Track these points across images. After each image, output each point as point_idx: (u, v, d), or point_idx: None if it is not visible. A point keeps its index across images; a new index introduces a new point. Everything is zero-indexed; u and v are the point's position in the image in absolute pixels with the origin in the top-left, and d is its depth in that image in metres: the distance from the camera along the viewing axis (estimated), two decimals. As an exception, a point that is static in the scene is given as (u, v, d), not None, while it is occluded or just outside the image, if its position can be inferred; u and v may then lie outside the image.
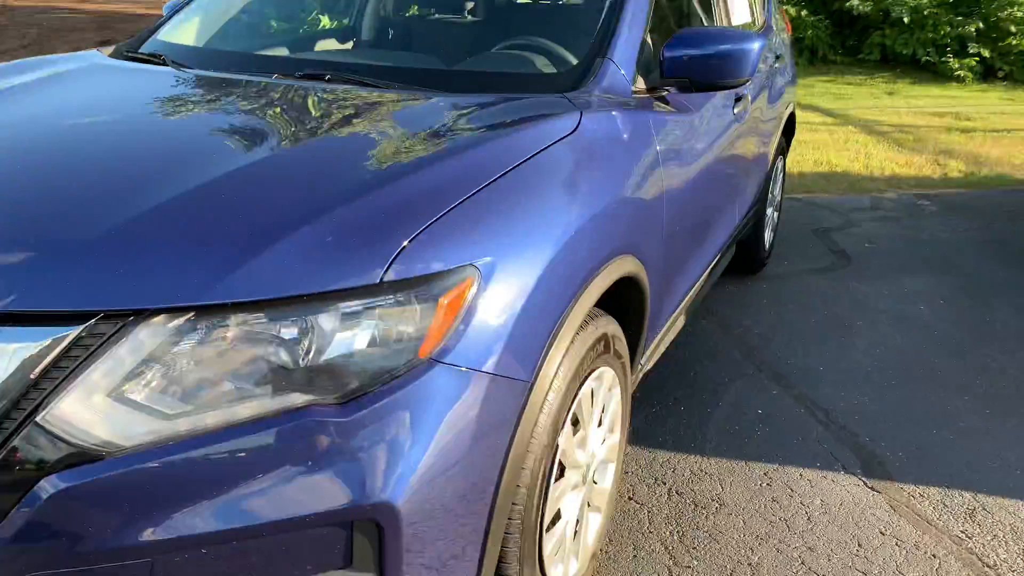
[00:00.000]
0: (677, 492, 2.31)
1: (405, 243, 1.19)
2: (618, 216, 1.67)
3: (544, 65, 2.01)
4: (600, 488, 1.84)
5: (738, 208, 2.97)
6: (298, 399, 1.11)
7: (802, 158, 6.63)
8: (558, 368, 1.43)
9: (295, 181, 1.37)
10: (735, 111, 2.64)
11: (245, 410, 1.09)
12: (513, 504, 1.37)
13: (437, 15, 2.69)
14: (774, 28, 3.67)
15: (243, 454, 1.08)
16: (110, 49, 2.26)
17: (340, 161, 1.45)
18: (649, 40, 2.09)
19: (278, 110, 1.73)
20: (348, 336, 1.15)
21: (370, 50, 2.57)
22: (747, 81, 2.09)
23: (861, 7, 12.80)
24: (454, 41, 2.36)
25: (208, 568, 1.08)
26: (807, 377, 3.00)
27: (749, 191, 3.15)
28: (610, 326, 1.72)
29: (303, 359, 1.12)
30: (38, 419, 1.03)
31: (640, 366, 2.15)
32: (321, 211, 1.23)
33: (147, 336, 1.07)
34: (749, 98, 2.82)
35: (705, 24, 2.76)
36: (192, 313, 1.09)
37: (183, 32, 2.33)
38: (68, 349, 1.05)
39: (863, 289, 3.90)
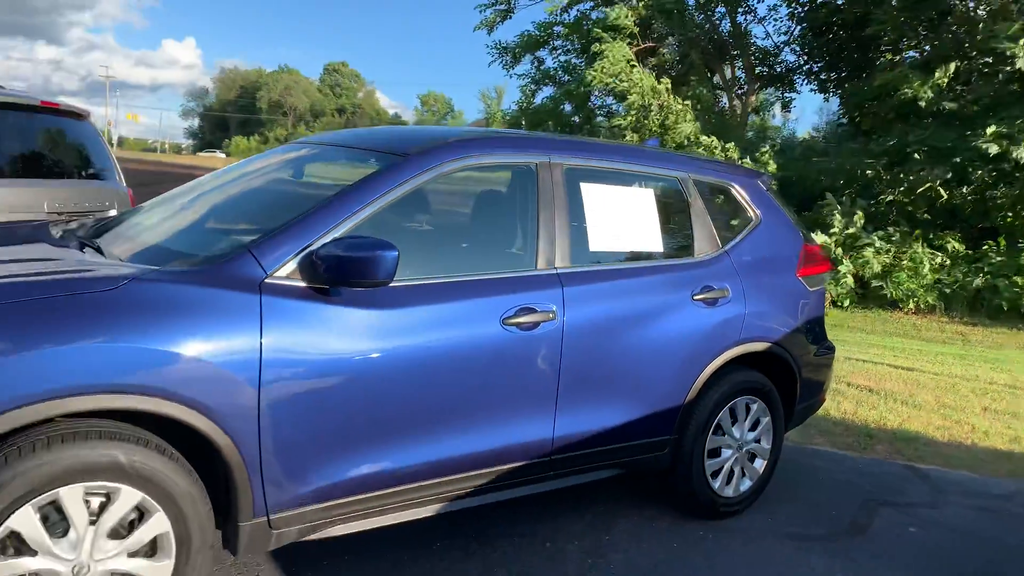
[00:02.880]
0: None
1: None
2: (141, 357, 2.11)
3: (209, 246, 2.60)
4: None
5: (532, 426, 2.93)
6: None
7: (991, 429, 5.55)
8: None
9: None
10: (509, 324, 2.78)
11: None
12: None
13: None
14: (729, 262, 3.57)
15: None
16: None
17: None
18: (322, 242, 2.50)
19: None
20: None
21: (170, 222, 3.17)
22: (380, 284, 2.39)
23: None
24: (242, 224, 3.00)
25: None
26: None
27: (590, 414, 3.09)
28: (130, 452, 2.12)
29: None
30: None
31: (262, 520, 2.39)
32: None
33: None
34: (556, 315, 2.91)
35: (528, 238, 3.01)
36: None
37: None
38: None
39: (817, 567, 3.30)
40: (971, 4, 11.97)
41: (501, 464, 2.90)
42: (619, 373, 3.16)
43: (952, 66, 11.23)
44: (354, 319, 2.50)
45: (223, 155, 41.09)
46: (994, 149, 10.62)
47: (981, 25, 10.95)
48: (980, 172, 11.59)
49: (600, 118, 14.98)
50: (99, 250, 2.65)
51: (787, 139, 23.21)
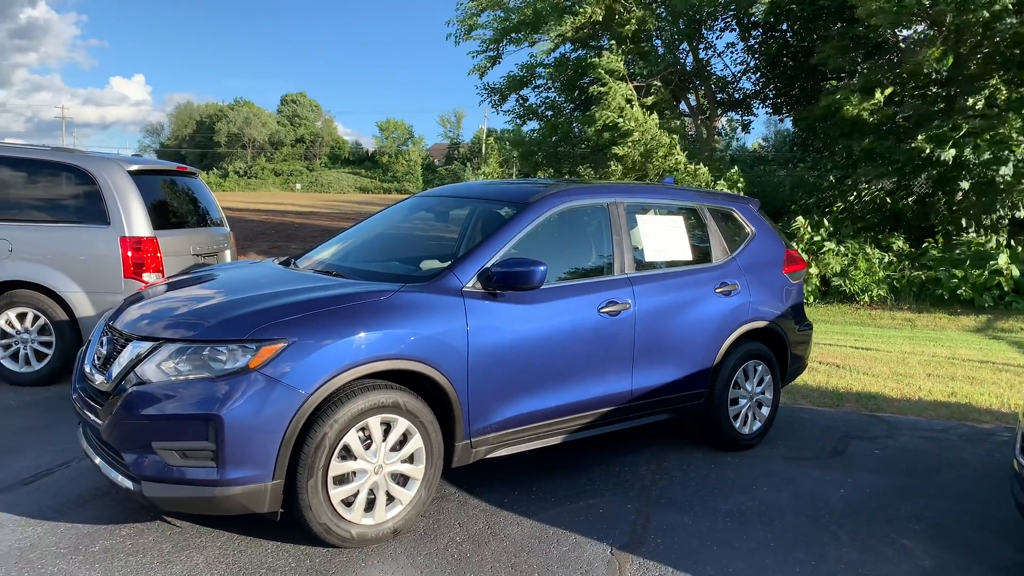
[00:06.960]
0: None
1: (260, 326, 3.23)
2: (406, 337, 3.47)
3: (423, 269, 3.98)
4: (400, 489, 3.52)
5: (619, 381, 4.31)
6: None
7: (933, 388, 7.07)
8: (334, 396, 3.28)
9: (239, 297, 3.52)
10: (603, 312, 4.19)
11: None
12: (297, 443, 3.21)
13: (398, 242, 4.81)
14: (736, 265, 5.02)
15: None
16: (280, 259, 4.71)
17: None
18: (492, 263, 3.89)
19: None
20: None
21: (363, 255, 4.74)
22: (534, 288, 3.77)
23: None
24: (411, 254, 4.42)
25: None
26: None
27: (654, 373, 4.49)
28: (403, 396, 3.47)
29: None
30: None
31: (467, 442, 3.75)
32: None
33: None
34: (631, 305, 4.32)
35: (600, 255, 4.42)
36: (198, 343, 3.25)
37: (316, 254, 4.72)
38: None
39: (812, 475, 4.73)
40: (900, 35, 13.82)
41: (600, 408, 4.29)
42: (671, 344, 4.58)
43: (886, 90, 13.05)
44: (513, 311, 3.88)
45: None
46: (926, 151, 12.41)
47: (909, 50, 12.82)
48: (918, 178, 13.37)
49: (581, 149, 16.61)
50: (339, 274, 4.02)
51: (737, 151, 25.08)
